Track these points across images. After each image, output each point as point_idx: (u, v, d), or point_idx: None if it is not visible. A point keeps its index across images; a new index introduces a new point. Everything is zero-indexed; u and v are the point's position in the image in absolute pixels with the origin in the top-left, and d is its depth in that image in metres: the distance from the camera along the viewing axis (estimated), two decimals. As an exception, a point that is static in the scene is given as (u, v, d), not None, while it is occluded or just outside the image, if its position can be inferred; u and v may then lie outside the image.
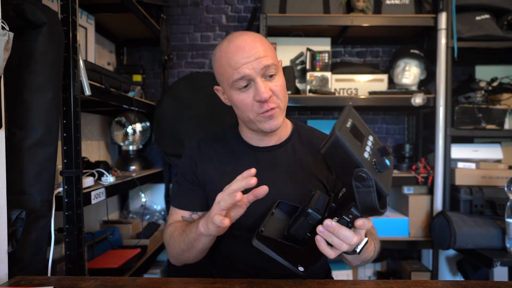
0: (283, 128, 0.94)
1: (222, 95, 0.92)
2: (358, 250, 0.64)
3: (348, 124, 0.55)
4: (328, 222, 0.59)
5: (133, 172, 1.81)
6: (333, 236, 0.60)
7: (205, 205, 0.94)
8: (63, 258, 1.13)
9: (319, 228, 0.60)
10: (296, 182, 0.88)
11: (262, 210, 0.86)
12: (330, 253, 0.62)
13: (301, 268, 0.66)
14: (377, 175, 0.52)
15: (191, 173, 0.94)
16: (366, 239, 0.64)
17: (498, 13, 1.78)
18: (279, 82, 0.84)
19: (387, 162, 0.53)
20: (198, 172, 0.94)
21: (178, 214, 0.94)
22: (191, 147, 0.97)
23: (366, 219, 0.58)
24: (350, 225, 0.59)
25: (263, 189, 0.67)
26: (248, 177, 0.66)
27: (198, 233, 0.75)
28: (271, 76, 0.82)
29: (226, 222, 0.66)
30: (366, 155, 0.53)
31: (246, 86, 0.82)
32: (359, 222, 0.58)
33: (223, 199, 0.67)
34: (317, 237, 0.61)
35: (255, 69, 0.80)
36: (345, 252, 0.64)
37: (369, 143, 0.57)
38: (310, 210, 0.63)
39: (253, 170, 0.67)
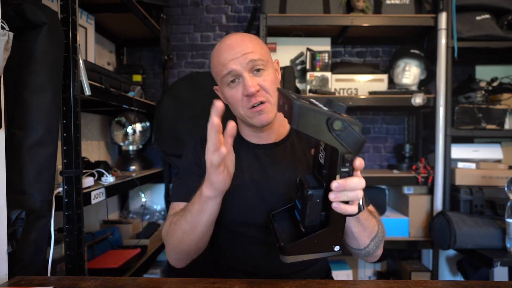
0: (281, 126, 0.95)
1: (220, 95, 0.94)
2: (361, 202, 0.66)
3: (295, 96, 0.60)
4: (334, 183, 0.59)
5: (133, 172, 1.81)
6: (346, 191, 0.60)
7: None
8: (63, 258, 1.13)
9: (331, 195, 0.60)
10: (295, 179, 0.88)
11: (260, 206, 0.86)
12: (353, 209, 0.62)
13: (337, 248, 0.65)
14: (343, 116, 0.57)
15: (197, 167, 0.94)
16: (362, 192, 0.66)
17: (498, 13, 1.78)
18: (268, 77, 0.85)
19: (341, 103, 0.58)
20: (203, 167, 0.93)
21: (181, 207, 0.91)
22: (194, 144, 0.98)
23: (359, 158, 0.60)
24: (351, 173, 0.60)
25: (231, 125, 0.64)
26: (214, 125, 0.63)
27: (203, 200, 0.72)
28: (258, 70, 0.84)
29: (223, 150, 0.63)
30: (325, 108, 0.58)
31: (233, 81, 0.85)
32: (356, 162, 0.59)
33: (213, 159, 0.64)
34: (333, 205, 0.60)
35: (241, 64, 0.83)
36: (351, 215, 0.64)
37: (316, 102, 0.62)
38: (310, 192, 0.63)
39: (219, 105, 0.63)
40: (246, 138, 0.96)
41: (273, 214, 0.78)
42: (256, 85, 0.82)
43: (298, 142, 0.96)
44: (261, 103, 0.84)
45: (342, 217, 0.63)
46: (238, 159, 0.92)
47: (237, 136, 0.96)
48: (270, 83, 0.85)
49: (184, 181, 0.93)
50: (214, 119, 0.62)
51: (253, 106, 0.84)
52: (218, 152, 0.62)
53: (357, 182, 0.59)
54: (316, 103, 0.61)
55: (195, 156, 0.95)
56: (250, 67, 0.83)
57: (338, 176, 0.60)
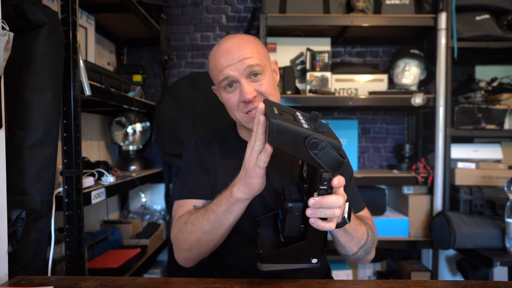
0: None
1: (218, 95, 0.94)
2: (346, 215, 0.66)
3: (276, 111, 0.60)
4: (311, 200, 0.60)
5: (133, 172, 1.81)
6: (323, 208, 0.61)
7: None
8: (63, 258, 1.13)
9: (308, 211, 0.61)
10: (293, 180, 0.88)
11: (259, 207, 0.86)
12: (330, 225, 0.62)
13: (314, 260, 0.66)
14: (323, 135, 0.57)
15: (200, 164, 0.94)
16: (347, 203, 0.67)
17: (498, 13, 1.79)
18: (265, 81, 0.85)
19: (323, 121, 0.59)
20: (205, 164, 0.95)
21: (189, 205, 0.89)
22: (196, 143, 0.99)
23: (338, 176, 0.60)
24: (329, 191, 0.61)
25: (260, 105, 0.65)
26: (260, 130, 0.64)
27: (232, 201, 0.72)
28: (255, 75, 0.84)
29: (270, 149, 0.63)
30: (305, 125, 0.58)
31: (230, 86, 0.85)
32: (334, 181, 0.59)
33: (260, 158, 0.65)
34: (311, 220, 0.61)
35: (239, 70, 0.83)
36: (337, 226, 0.65)
37: (300, 117, 0.63)
38: (290, 204, 0.64)
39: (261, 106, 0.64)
40: (245, 138, 0.96)
41: (259, 219, 0.78)
42: (253, 91, 0.83)
43: None
44: None
45: (320, 232, 0.64)
46: (238, 158, 0.92)
47: (236, 137, 0.97)
48: (267, 87, 0.85)
49: (188, 179, 0.93)
50: (262, 118, 0.62)
51: (250, 111, 0.85)
52: (266, 151, 0.63)
53: (334, 201, 0.60)
54: (300, 117, 0.62)
55: (197, 155, 0.95)
56: (247, 73, 0.83)
57: (316, 193, 0.61)
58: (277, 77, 0.93)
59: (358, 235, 0.79)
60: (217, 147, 0.96)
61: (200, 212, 0.79)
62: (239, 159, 0.91)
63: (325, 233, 0.65)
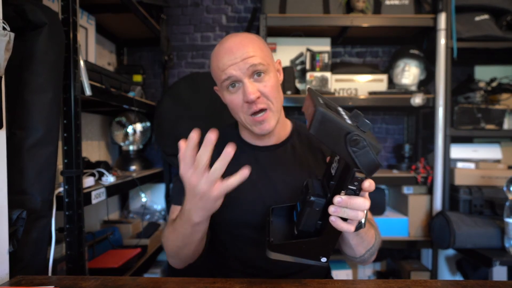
0: (282, 128, 0.94)
1: (221, 96, 0.93)
2: (363, 221, 0.64)
3: (321, 101, 0.58)
4: (338, 198, 0.58)
5: (133, 172, 1.81)
6: (347, 209, 0.59)
7: None
8: (64, 258, 1.13)
9: (331, 209, 0.59)
10: (296, 181, 0.88)
11: (260, 208, 0.86)
12: (349, 228, 0.61)
13: (323, 259, 0.65)
14: (365, 134, 0.55)
15: None
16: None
17: (497, 14, 1.79)
18: (269, 82, 0.83)
19: (367, 120, 0.57)
20: None
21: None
22: None
23: (370, 179, 0.58)
24: (357, 192, 0.58)
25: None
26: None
27: (192, 225, 0.70)
28: (259, 75, 0.82)
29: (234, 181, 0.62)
30: (348, 121, 0.56)
31: (233, 86, 0.83)
32: (366, 184, 0.57)
33: (221, 188, 0.63)
34: (331, 218, 0.60)
35: (241, 70, 0.80)
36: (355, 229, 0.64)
37: (343, 112, 0.61)
38: (313, 198, 0.62)
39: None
40: (246, 140, 0.95)
41: (273, 207, 0.77)
42: (256, 92, 0.81)
43: (299, 144, 0.95)
44: (262, 110, 0.82)
45: (337, 232, 0.62)
46: (238, 160, 0.91)
47: (237, 137, 0.95)
48: (271, 88, 0.83)
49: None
50: (212, 136, 0.62)
51: (254, 113, 0.82)
52: (230, 181, 0.62)
53: (361, 203, 0.58)
54: (342, 113, 0.60)
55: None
56: (251, 72, 0.81)
57: (343, 192, 0.59)
58: (281, 77, 0.91)
59: (368, 238, 0.78)
60: (217, 148, 0.94)
61: (170, 228, 0.79)
62: (239, 160, 0.90)
63: (340, 233, 0.63)
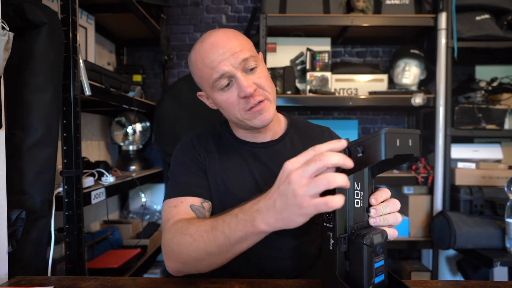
0: (277, 124, 0.92)
1: (206, 100, 0.89)
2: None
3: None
4: (372, 210, 0.61)
5: (133, 172, 1.81)
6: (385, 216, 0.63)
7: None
8: (63, 258, 1.13)
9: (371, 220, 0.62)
10: None
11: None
12: (394, 233, 0.66)
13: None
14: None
15: (196, 161, 0.87)
16: None
17: (498, 13, 1.78)
18: (262, 73, 0.79)
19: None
20: (202, 162, 0.87)
21: (184, 204, 0.78)
22: (191, 140, 0.91)
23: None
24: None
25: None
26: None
27: (251, 232, 0.57)
28: (252, 69, 0.78)
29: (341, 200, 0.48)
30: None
31: (228, 85, 0.78)
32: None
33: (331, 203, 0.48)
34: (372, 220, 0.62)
35: (233, 65, 0.76)
36: None
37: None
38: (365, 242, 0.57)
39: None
40: (243, 138, 0.91)
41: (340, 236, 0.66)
42: (253, 85, 0.76)
43: (297, 138, 0.92)
44: (259, 102, 0.78)
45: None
46: (238, 158, 0.89)
47: (232, 137, 0.92)
48: (265, 79, 0.80)
49: (182, 176, 0.84)
50: (343, 141, 0.52)
51: (252, 107, 0.78)
52: (332, 202, 0.48)
53: (395, 204, 0.65)
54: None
55: (193, 152, 0.88)
56: (243, 66, 0.77)
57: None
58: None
59: None
60: (213, 145, 0.90)
61: (204, 227, 0.65)
62: (237, 158, 0.88)
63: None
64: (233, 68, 0.76)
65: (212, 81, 0.78)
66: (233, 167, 0.87)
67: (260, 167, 0.87)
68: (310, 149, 0.51)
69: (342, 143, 0.52)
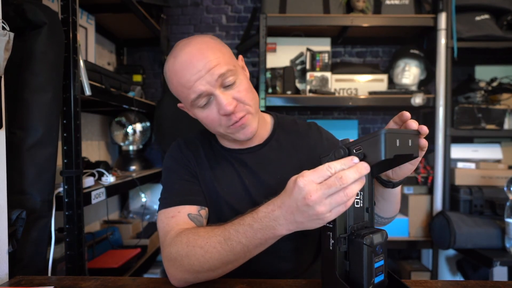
0: (262, 127, 0.88)
1: (188, 111, 0.85)
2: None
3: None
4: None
5: (133, 172, 1.81)
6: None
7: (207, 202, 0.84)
8: (64, 258, 1.13)
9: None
10: (288, 175, 0.84)
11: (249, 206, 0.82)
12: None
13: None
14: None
15: (187, 167, 0.85)
16: None
17: (497, 13, 1.79)
18: (241, 86, 0.75)
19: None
20: (193, 168, 0.86)
21: (182, 214, 0.77)
22: (179, 146, 0.90)
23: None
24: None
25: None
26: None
27: (271, 237, 0.60)
28: (230, 83, 0.74)
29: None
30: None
31: (207, 103, 0.75)
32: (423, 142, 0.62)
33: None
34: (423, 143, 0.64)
35: (210, 82, 0.72)
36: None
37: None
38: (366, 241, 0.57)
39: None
40: (228, 146, 0.88)
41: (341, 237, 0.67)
42: (233, 101, 0.73)
43: (285, 137, 0.90)
44: (241, 118, 0.75)
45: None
46: (226, 165, 0.86)
47: (216, 144, 0.89)
48: (245, 92, 0.76)
49: (174, 184, 0.83)
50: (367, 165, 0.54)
51: (235, 123, 0.75)
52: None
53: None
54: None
55: (182, 158, 0.87)
56: (220, 82, 0.73)
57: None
58: (247, 73, 0.83)
59: (399, 199, 0.81)
60: (203, 151, 0.89)
61: (215, 238, 0.66)
62: (226, 164, 0.86)
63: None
64: (210, 87, 0.72)
65: (190, 101, 0.75)
66: (223, 174, 0.85)
67: (249, 174, 0.85)
68: (325, 168, 0.53)
69: (356, 163, 0.54)
